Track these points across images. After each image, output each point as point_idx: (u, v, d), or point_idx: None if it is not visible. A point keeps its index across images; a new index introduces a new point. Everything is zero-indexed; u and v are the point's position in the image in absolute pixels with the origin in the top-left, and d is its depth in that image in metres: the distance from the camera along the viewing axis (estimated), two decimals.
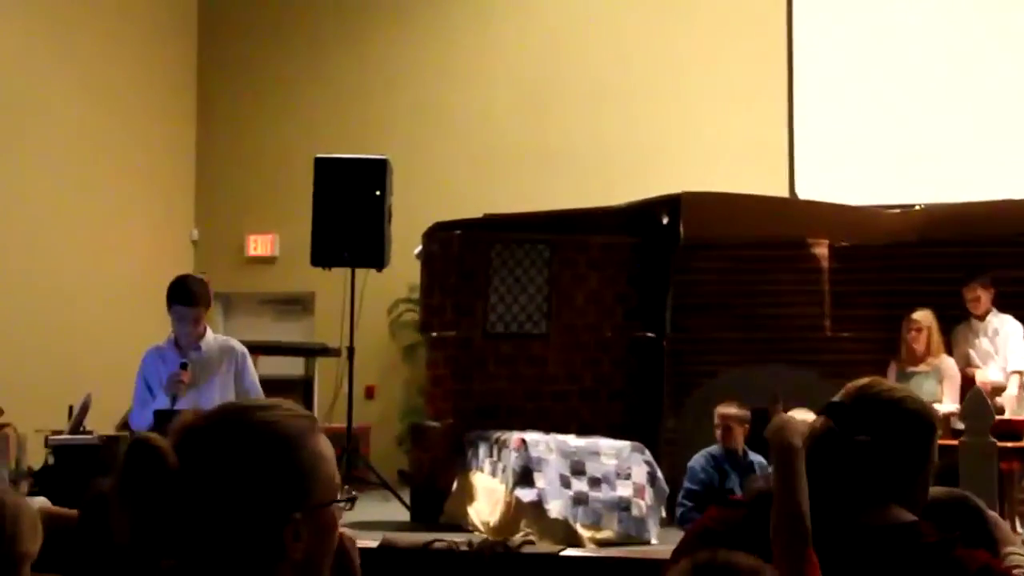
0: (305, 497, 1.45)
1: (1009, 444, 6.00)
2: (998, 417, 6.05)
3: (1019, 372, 7.04)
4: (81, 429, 6.34)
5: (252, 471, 1.42)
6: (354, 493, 1.59)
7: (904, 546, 1.88)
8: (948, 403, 6.87)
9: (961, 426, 6.02)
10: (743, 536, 1.91)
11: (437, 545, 2.69)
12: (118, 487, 1.43)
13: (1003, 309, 7.20)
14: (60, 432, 6.35)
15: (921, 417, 2.06)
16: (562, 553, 2.63)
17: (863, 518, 1.92)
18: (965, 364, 7.14)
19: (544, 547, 2.88)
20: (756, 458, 6.41)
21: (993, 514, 2.25)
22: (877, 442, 1.95)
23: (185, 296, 4.91)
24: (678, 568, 1.60)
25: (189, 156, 11.26)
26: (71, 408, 6.78)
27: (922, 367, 7.10)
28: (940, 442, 6.49)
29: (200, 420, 1.47)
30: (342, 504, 1.51)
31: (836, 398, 2.03)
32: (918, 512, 2.00)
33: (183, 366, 4.82)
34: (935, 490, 2.21)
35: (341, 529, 1.57)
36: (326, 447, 1.51)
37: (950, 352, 7.18)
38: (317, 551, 1.47)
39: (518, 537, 2.77)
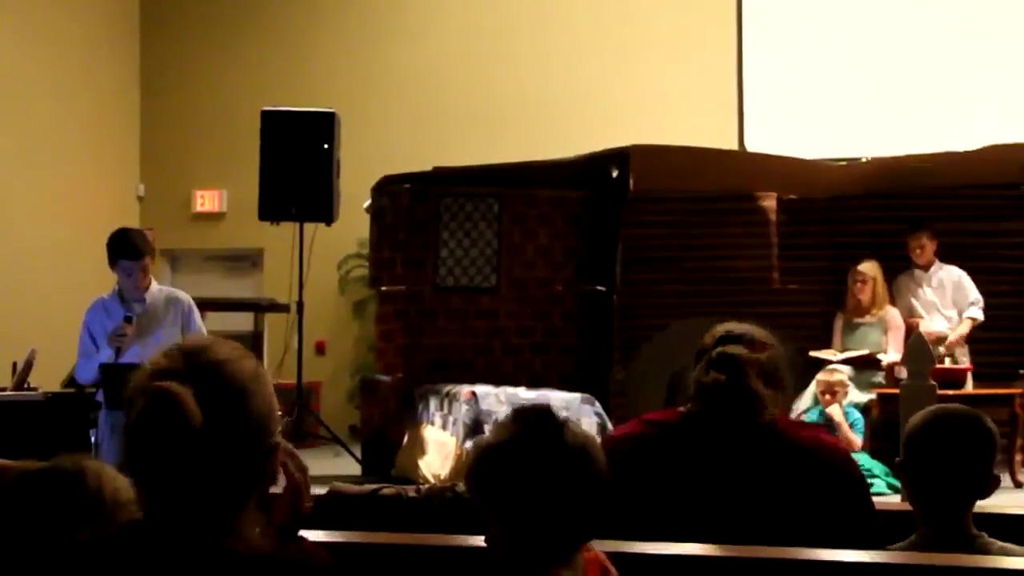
0: (275, 425, 1.52)
1: (950, 391, 6.11)
2: (939, 366, 6.17)
3: (973, 319, 7.17)
4: (26, 386, 6.26)
5: (249, 406, 1.47)
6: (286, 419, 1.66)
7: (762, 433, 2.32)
8: (893, 353, 6.99)
9: (905, 375, 6.12)
10: (673, 440, 2.32)
11: (385, 491, 2.70)
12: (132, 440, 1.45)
13: (944, 260, 7.31)
14: (4, 389, 6.27)
15: (776, 343, 2.45)
16: None
17: (759, 421, 2.33)
18: (908, 314, 7.25)
19: None
20: None
21: None
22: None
23: (129, 250, 4.85)
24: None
25: (134, 112, 11.07)
26: (15, 364, 6.70)
27: (867, 318, 7.20)
28: (885, 391, 6.55)
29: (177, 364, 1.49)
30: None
31: (723, 332, 2.44)
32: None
33: (127, 319, 4.77)
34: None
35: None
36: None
37: (895, 303, 7.29)
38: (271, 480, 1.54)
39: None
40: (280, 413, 1.54)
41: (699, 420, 2.36)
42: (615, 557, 1.88)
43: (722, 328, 2.45)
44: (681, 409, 2.42)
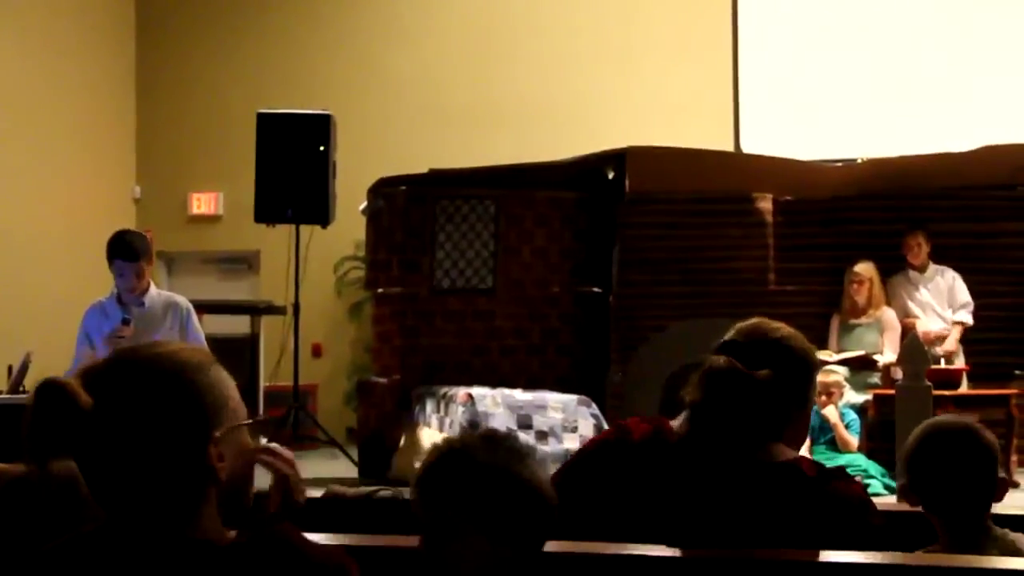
0: (217, 419, 1.46)
1: (946, 392, 6.11)
2: (935, 366, 6.17)
3: (962, 323, 7.18)
4: (20, 389, 6.25)
5: (157, 399, 1.43)
6: (264, 417, 1.63)
7: (788, 482, 1.91)
8: (889, 354, 6.99)
9: (901, 376, 6.13)
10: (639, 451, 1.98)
11: (381, 494, 2.70)
12: (30, 432, 1.42)
13: (940, 261, 7.32)
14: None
15: (806, 356, 2.07)
16: None
17: (759, 455, 1.94)
18: (903, 315, 7.25)
19: None
20: None
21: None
22: (774, 380, 1.95)
23: (125, 250, 4.87)
24: None
25: (130, 114, 11.06)
26: (10, 368, 6.69)
27: (864, 319, 7.20)
28: (881, 392, 6.57)
29: (98, 363, 1.48)
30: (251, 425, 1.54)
31: (728, 337, 2.04)
32: (797, 450, 2.04)
33: (124, 321, 4.78)
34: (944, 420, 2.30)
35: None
36: (228, 377, 1.52)
37: (890, 304, 7.29)
38: (239, 474, 1.49)
39: None
40: (238, 408, 1.51)
41: (685, 447, 1.96)
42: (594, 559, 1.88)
43: (736, 328, 2.05)
44: (674, 423, 2.03)
